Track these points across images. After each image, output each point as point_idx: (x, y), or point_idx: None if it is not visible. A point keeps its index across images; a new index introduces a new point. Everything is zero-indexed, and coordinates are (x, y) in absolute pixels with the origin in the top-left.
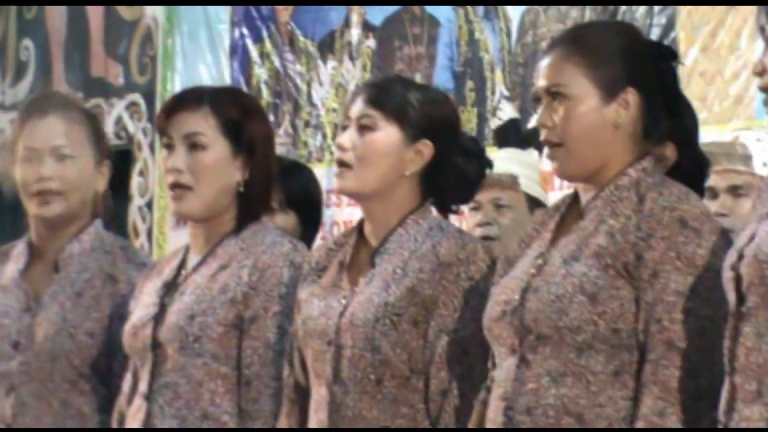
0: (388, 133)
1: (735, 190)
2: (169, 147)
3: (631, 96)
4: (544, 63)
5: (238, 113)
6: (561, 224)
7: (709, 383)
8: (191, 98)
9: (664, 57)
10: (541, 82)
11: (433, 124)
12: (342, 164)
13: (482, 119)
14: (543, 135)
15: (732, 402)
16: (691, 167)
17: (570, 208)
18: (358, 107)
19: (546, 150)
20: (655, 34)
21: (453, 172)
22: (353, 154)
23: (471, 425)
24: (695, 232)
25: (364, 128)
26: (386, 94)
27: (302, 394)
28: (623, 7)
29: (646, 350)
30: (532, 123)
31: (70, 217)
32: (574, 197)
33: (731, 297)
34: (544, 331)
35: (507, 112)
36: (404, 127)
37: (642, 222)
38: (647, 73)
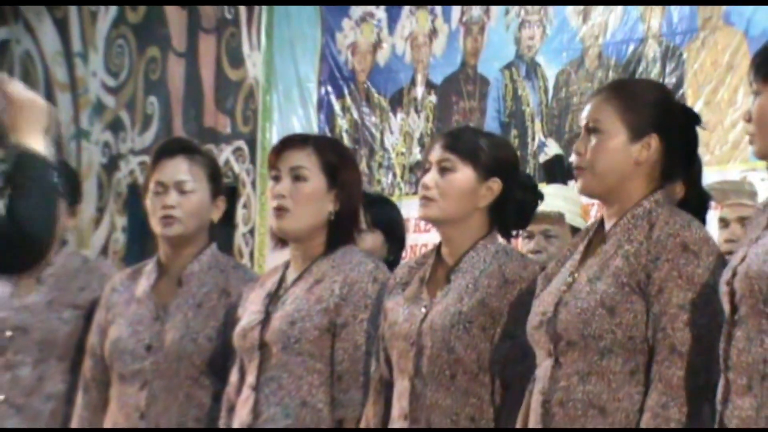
0: (464, 173)
1: (743, 221)
2: (277, 179)
3: (654, 141)
4: (590, 103)
5: (336, 158)
6: (589, 247)
7: (706, 380)
8: (299, 140)
9: (689, 118)
10: (583, 116)
11: (500, 164)
12: (426, 199)
13: (524, 161)
14: (574, 160)
15: (727, 394)
16: (696, 202)
17: (596, 233)
18: (437, 152)
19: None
20: None
21: (514, 203)
22: (436, 191)
23: (522, 409)
24: (695, 255)
25: (444, 170)
26: (460, 141)
27: (387, 386)
28: (641, 68)
29: (654, 353)
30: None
31: (189, 239)
32: (600, 224)
33: (726, 307)
34: (572, 338)
35: (553, 148)
36: (477, 167)
37: (651, 247)
38: (672, 125)
